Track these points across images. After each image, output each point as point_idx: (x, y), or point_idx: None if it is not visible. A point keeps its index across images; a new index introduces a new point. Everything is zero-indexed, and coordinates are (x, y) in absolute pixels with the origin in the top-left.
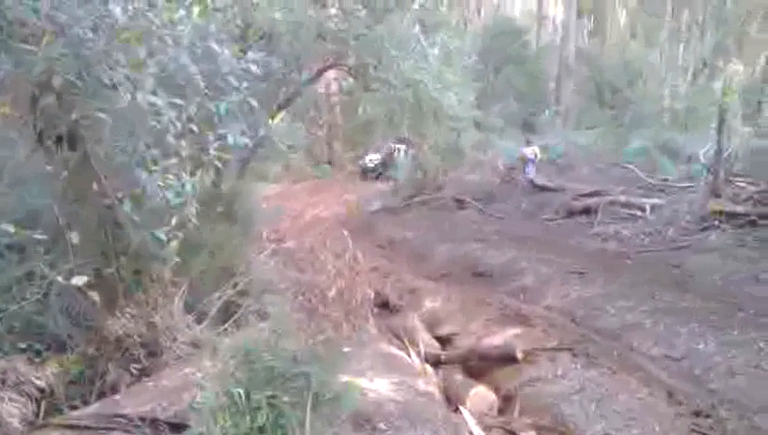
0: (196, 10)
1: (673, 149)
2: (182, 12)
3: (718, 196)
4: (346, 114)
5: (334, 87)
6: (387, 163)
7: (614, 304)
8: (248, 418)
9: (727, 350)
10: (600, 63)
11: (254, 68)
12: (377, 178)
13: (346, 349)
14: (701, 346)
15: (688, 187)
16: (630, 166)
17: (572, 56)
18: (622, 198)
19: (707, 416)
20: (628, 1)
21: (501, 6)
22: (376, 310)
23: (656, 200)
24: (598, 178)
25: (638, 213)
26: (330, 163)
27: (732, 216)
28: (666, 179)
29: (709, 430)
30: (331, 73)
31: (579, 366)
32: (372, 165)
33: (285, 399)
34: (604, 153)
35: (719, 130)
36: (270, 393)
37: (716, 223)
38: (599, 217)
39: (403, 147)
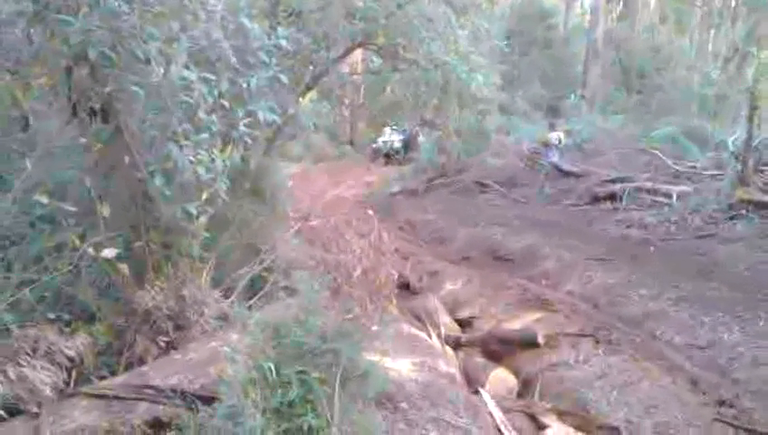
0: None
1: (701, 136)
2: None
3: (747, 184)
4: (369, 94)
5: (360, 67)
6: (409, 145)
7: (637, 292)
8: (279, 392)
9: (752, 340)
10: (629, 48)
11: (284, 43)
12: (394, 159)
13: (374, 328)
14: (725, 336)
15: (716, 175)
16: (657, 152)
17: (601, 40)
18: (648, 185)
19: (731, 406)
20: None
21: None
22: (396, 291)
23: (682, 188)
24: (623, 163)
25: (664, 200)
26: (352, 144)
27: (760, 205)
28: (693, 167)
29: (733, 420)
30: (357, 53)
31: (601, 352)
32: (394, 147)
33: (314, 375)
34: (630, 139)
35: (750, 118)
36: (300, 369)
37: (744, 212)
38: (623, 204)
39: (425, 128)
